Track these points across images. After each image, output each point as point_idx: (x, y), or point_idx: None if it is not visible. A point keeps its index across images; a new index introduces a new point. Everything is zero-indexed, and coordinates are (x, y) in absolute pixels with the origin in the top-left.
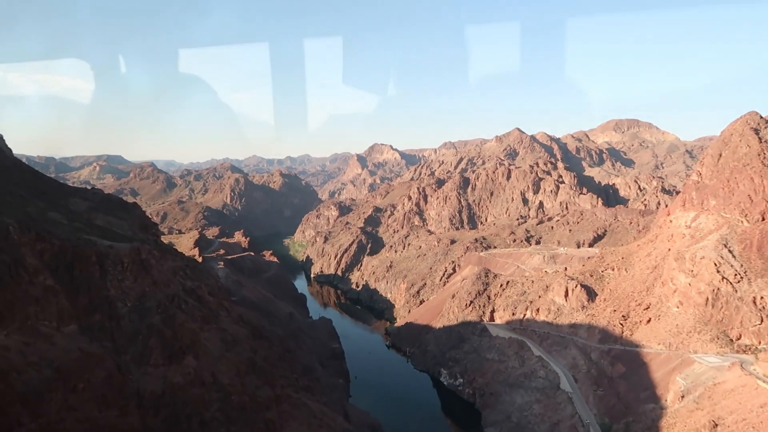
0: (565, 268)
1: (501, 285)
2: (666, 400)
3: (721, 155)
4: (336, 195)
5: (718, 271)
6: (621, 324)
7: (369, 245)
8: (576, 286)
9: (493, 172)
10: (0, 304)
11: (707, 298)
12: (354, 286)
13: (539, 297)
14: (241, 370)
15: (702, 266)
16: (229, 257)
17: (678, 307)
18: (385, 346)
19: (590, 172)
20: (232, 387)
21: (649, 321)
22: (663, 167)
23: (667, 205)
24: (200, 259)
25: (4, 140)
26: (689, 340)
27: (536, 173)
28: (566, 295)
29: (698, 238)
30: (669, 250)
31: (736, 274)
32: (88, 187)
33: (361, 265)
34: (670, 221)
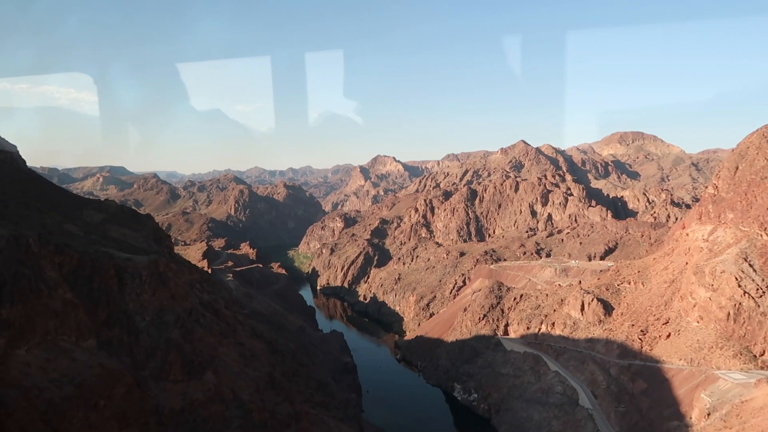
0: (579, 282)
1: (514, 298)
2: (691, 418)
3: (737, 168)
4: (339, 206)
5: (739, 286)
6: (640, 339)
7: (376, 257)
8: (592, 300)
9: (501, 185)
10: (21, 318)
11: (729, 313)
12: (361, 299)
13: (554, 311)
14: (260, 385)
15: (722, 280)
16: (238, 269)
17: (698, 322)
18: (394, 359)
19: (596, 184)
20: (252, 404)
21: (668, 336)
22: (669, 180)
23: (677, 218)
24: (209, 271)
25: (18, 152)
26: (711, 356)
27: (544, 185)
28: (582, 309)
29: (716, 251)
30: (686, 263)
31: (758, 289)
32: (92, 199)
33: (368, 278)
34: (687, 234)
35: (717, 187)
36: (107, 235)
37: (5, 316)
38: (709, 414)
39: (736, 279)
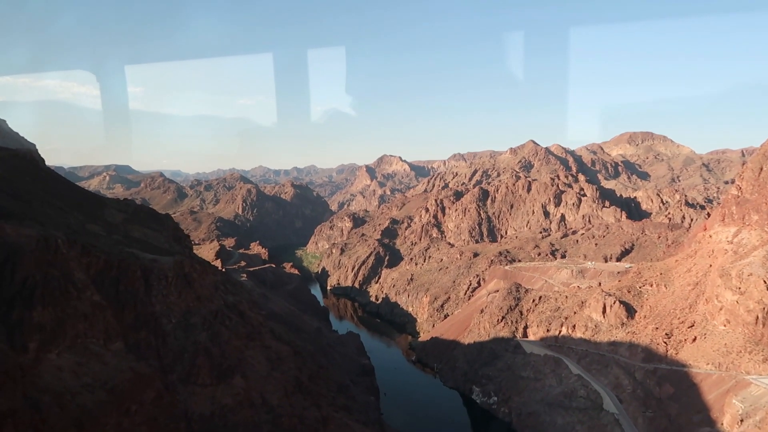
0: (599, 284)
1: (533, 300)
2: (722, 424)
3: (762, 169)
4: (346, 206)
5: None
6: (665, 342)
7: (387, 257)
8: (614, 302)
9: (513, 185)
10: (52, 321)
11: (757, 317)
12: (373, 299)
13: (574, 313)
14: (288, 389)
15: (750, 283)
16: (251, 269)
17: (725, 326)
18: (407, 361)
19: (606, 184)
20: (281, 408)
21: (694, 340)
22: (679, 180)
23: (692, 220)
24: (224, 271)
25: (37, 150)
26: (740, 361)
27: (557, 186)
28: (604, 311)
29: (742, 254)
30: (710, 266)
31: None
32: (111, 198)
33: (379, 278)
34: (710, 236)
35: (741, 188)
36: (129, 235)
37: (37, 319)
38: (742, 420)
39: (765, 282)
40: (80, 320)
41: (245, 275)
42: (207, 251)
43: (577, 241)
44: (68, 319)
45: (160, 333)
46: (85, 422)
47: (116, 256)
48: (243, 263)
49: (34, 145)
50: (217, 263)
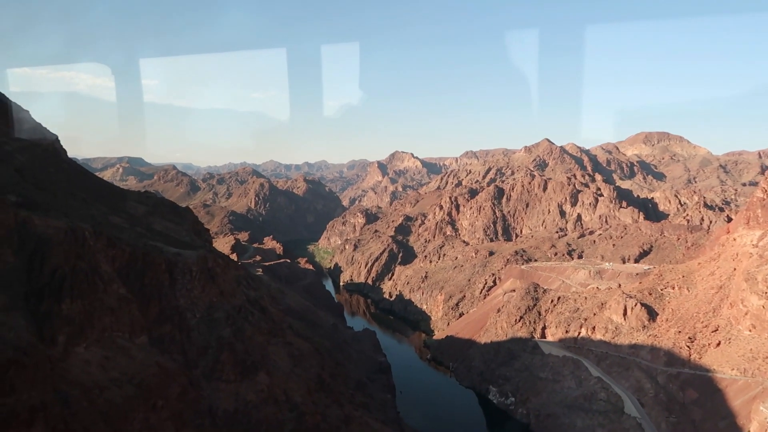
0: (619, 285)
1: (552, 301)
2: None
3: None
4: (357, 202)
5: None
6: (688, 347)
7: (400, 254)
8: (635, 305)
9: (529, 183)
10: (80, 314)
11: None
12: (386, 296)
13: (594, 314)
14: (310, 387)
15: None
16: (266, 264)
17: (750, 331)
18: (421, 359)
19: (622, 184)
20: (304, 406)
21: (718, 344)
22: (696, 182)
23: (711, 222)
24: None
25: (59, 140)
26: (766, 367)
27: (574, 185)
28: (624, 313)
29: (767, 258)
30: (735, 269)
31: None
32: (132, 190)
33: (392, 275)
34: (734, 239)
35: (766, 191)
36: (151, 228)
37: (65, 311)
38: None
39: None
40: (107, 313)
41: (260, 270)
42: (222, 245)
43: (595, 241)
44: (95, 312)
45: (184, 327)
46: (113, 417)
47: (141, 249)
48: (258, 257)
49: (56, 136)
50: (233, 257)
